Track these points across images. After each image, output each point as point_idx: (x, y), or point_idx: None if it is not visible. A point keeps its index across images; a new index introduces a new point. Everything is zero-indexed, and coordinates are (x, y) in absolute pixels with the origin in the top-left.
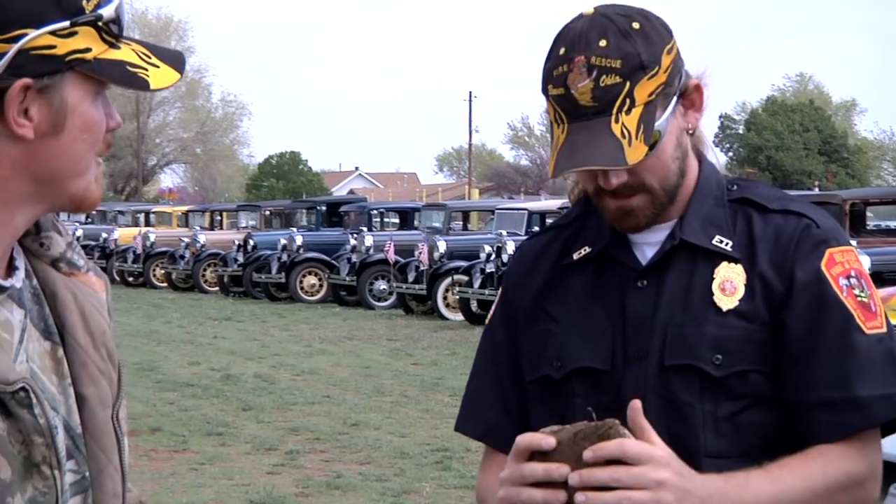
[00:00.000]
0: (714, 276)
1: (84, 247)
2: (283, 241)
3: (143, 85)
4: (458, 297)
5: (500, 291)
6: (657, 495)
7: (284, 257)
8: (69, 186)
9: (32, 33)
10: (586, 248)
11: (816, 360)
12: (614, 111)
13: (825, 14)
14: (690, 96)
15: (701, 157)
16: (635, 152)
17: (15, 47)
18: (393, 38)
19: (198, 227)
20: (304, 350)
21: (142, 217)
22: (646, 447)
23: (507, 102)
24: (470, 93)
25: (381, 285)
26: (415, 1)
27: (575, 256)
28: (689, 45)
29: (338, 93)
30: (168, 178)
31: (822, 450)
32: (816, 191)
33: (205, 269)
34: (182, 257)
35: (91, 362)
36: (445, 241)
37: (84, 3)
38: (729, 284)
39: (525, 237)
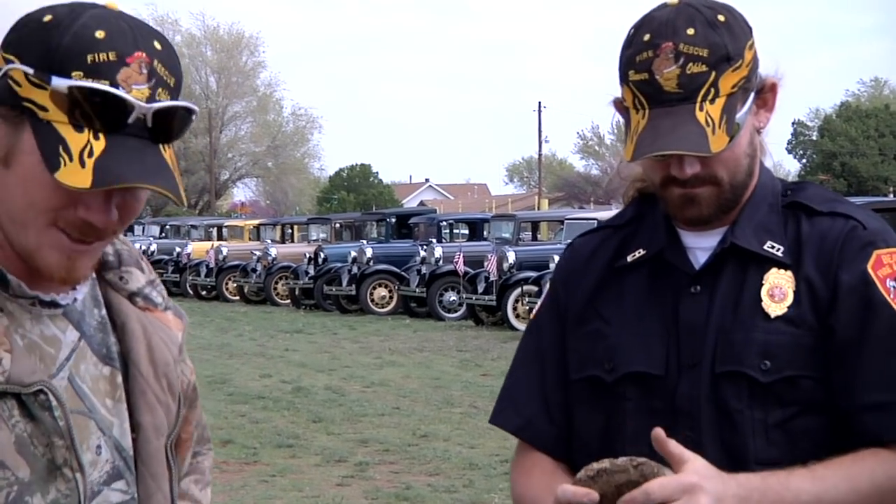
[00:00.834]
0: (763, 281)
1: (158, 261)
2: (353, 254)
3: (51, 168)
4: (527, 307)
5: (548, 288)
6: None
7: (355, 269)
8: (17, 235)
9: (16, 63)
10: (641, 250)
11: (864, 362)
12: (699, 99)
13: None
14: (765, 95)
15: (760, 163)
16: (718, 141)
17: (4, 68)
18: (462, 49)
19: (269, 241)
20: (375, 362)
21: (214, 231)
22: (671, 482)
23: (577, 112)
24: (539, 103)
25: (451, 296)
26: (483, 12)
27: (629, 258)
28: (763, 50)
29: (408, 105)
30: (240, 192)
31: (872, 451)
32: (892, 196)
33: (276, 282)
34: (254, 270)
35: (150, 391)
36: (515, 251)
37: (72, 72)
38: (778, 291)
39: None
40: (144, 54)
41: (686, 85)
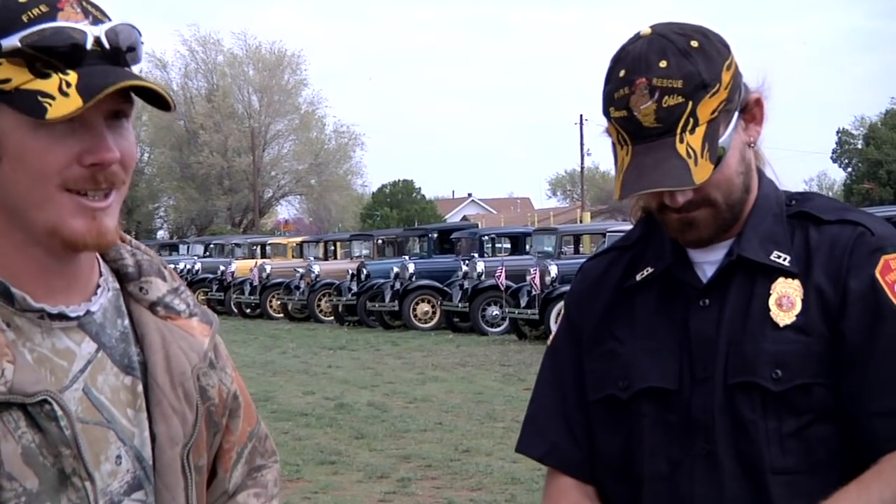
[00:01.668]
0: (771, 291)
1: (202, 280)
2: (395, 270)
3: (39, 114)
4: None
5: (563, 312)
6: None
7: (397, 285)
8: (34, 220)
9: None
10: (649, 268)
11: (873, 368)
12: (678, 131)
13: None
14: (752, 111)
15: (760, 174)
16: (702, 171)
17: None
18: (503, 63)
19: (312, 258)
20: (417, 377)
21: (258, 249)
22: None
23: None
24: (581, 115)
25: (494, 311)
26: (523, 26)
27: (638, 277)
28: (806, 60)
29: (450, 120)
30: (284, 210)
31: (874, 472)
32: None
33: (320, 299)
34: (297, 288)
35: (165, 401)
36: (557, 265)
37: (13, 31)
38: (786, 300)
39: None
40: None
41: (664, 118)
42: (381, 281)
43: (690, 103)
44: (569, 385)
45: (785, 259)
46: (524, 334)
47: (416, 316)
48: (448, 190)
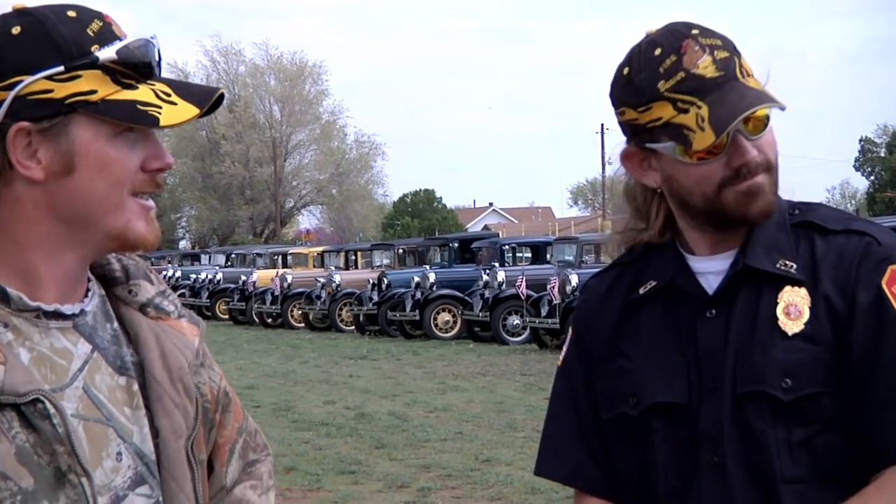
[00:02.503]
0: (778, 300)
1: (224, 290)
2: (416, 279)
3: (152, 122)
4: None
5: (570, 332)
6: None
7: (418, 295)
8: (103, 225)
9: (28, 80)
10: (652, 282)
11: (879, 379)
12: (739, 77)
13: None
14: None
15: None
16: (778, 101)
17: (11, 94)
18: (523, 73)
19: (333, 267)
20: (438, 387)
21: (279, 259)
22: None
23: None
24: (602, 125)
25: (515, 320)
26: (543, 36)
27: (641, 291)
28: (826, 67)
29: (471, 129)
30: (306, 220)
31: (883, 481)
32: None
33: (341, 309)
34: (318, 297)
35: (167, 396)
36: (578, 274)
37: (91, 47)
38: (793, 308)
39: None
40: (105, 14)
41: (724, 67)
42: (402, 290)
43: (736, 58)
44: (584, 404)
45: (791, 267)
46: (545, 343)
47: (436, 325)
48: (469, 199)
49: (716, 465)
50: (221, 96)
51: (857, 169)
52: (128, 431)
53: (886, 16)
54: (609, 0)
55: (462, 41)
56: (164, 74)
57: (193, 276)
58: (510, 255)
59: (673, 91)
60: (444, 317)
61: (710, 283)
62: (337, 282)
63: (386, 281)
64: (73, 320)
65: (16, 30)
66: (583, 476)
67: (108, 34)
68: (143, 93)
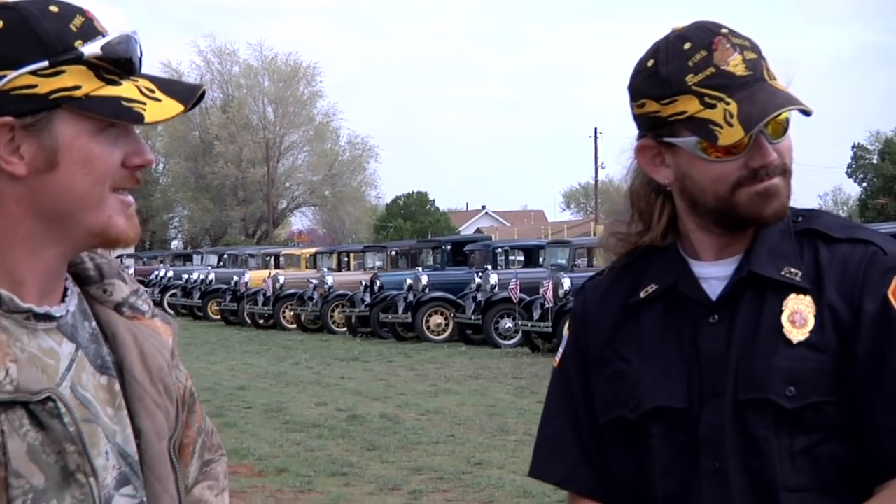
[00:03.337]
0: (783, 308)
1: (215, 290)
2: (409, 281)
3: (137, 118)
4: None
5: (567, 333)
6: None
7: (410, 297)
8: (84, 221)
9: (11, 75)
10: (653, 285)
11: (883, 388)
12: (767, 79)
13: None
14: None
15: None
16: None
17: None
18: (517, 76)
19: (326, 269)
20: (430, 389)
21: (271, 260)
22: None
23: (634, 137)
24: (595, 129)
25: (507, 323)
26: (537, 40)
27: (642, 294)
28: (820, 74)
29: (464, 132)
30: (298, 221)
31: (885, 496)
32: None
33: (333, 310)
34: (311, 299)
35: (148, 396)
36: (570, 278)
37: (74, 43)
38: (798, 316)
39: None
40: (87, 10)
41: (753, 67)
42: (395, 293)
43: (763, 62)
44: (580, 406)
45: (796, 274)
46: (537, 347)
47: (429, 328)
48: (462, 202)
49: (716, 471)
50: (203, 93)
51: (849, 175)
52: (111, 431)
53: (880, 22)
54: (602, 5)
55: (456, 44)
56: (158, 74)
57: (185, 276)
58: (503, 258)
59: (701, 86)
60: (437, 319)
61: (713, 289)
62: (329, 283)
63: (378, 283)
64: (59, 320)
65: None
66: (577, 479)
67: (90, 30)
68: (127, 89)
